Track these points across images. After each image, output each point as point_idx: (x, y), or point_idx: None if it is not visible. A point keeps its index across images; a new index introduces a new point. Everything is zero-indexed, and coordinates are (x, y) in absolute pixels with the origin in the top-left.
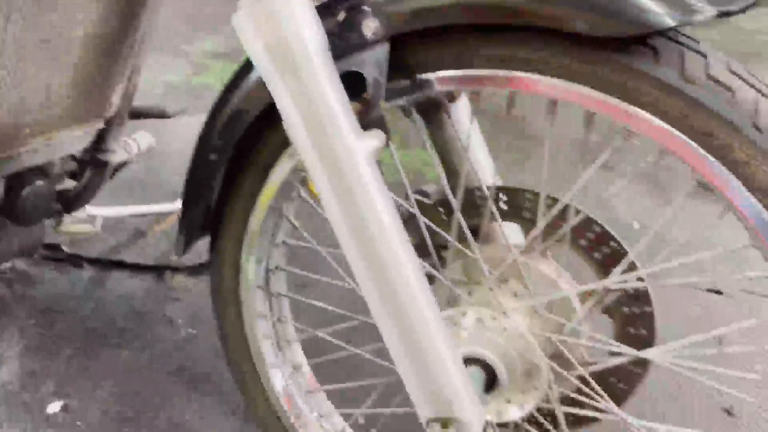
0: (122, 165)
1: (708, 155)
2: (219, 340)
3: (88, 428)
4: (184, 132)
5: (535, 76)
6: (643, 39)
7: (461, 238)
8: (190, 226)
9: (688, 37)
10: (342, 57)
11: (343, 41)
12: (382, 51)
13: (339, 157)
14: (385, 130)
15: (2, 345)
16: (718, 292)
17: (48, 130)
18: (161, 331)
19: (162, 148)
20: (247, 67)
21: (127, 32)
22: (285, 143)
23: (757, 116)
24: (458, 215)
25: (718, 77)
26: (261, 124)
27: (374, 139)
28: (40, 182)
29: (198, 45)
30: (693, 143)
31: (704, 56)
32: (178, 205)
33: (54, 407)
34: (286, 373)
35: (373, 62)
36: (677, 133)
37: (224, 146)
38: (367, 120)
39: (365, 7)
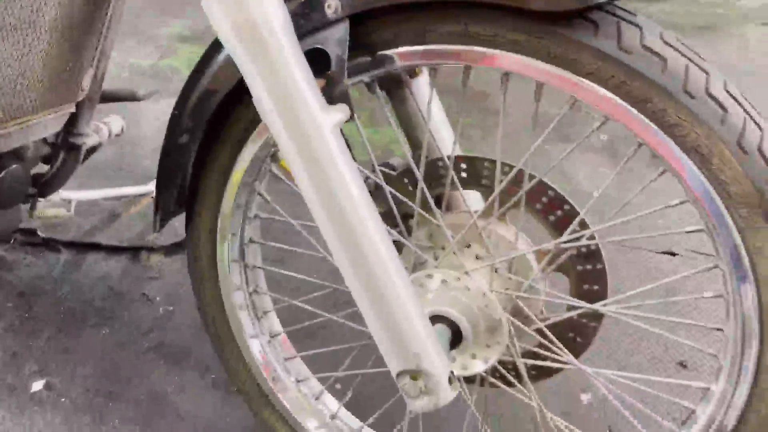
0: (94, 148)
1: (646, 120)
2: (198, 315)
3: (72, 404)
4: (156, 116)
5: (492, 51)
6: (584, 14)
7: (425, 207)
8: (165, 206)
9: (625, 10)
10: (306, 35)
11: (306, 20)
12: (343, 28)
13: (307, 130)
14: (350, 104)
15: None
16: (672, 254)
17: (20, 115)
18: (139, 310)
19: (136, 132)
20: (215, 47)
21: (95, 17)
22: (255, 120)
23: (688, 82)
24: (422, 185)
25: (651, 47)
26: (231, 103)
27: (339, 112)
28: (15, 165)
29: (165, 29)
30: (633, 110)
31: (639, 28)
32: (151, 187)
33: (37, 386)
34: (264, 342)
35: (335, 40)
36: (619, 101)
37: (196, 126)
38: (332, 95)
39: None
